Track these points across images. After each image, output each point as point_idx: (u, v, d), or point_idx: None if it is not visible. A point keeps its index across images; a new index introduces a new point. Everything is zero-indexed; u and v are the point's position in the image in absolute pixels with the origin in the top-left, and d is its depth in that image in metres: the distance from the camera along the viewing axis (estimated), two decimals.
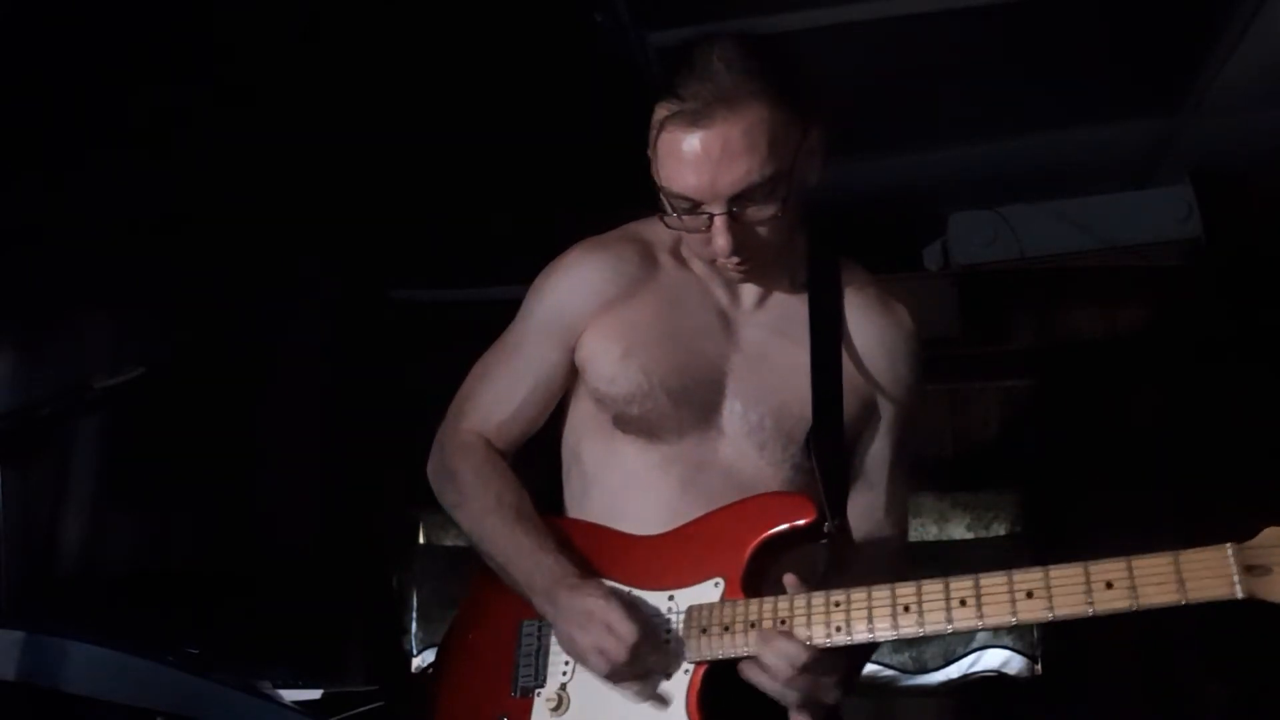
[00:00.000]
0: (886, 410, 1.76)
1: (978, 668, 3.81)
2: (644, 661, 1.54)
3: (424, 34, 2.74)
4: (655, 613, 1.59)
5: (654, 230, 1.77)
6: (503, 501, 1.73)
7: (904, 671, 3.82)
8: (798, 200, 1.61)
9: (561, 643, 1.62)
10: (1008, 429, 4.01)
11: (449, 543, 4.16)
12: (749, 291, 1.75)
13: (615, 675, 1.54)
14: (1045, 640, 3.76)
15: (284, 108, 2.96)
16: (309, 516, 3.82)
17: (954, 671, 3.81)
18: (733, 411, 1.70)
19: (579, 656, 1.58)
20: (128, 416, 3.01)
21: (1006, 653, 3.79)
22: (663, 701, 1.55)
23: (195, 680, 1.50)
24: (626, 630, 1.52)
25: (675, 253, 1.78)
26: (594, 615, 1.54)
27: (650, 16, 2.83)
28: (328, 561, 3.76)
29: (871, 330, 1.75)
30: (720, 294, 1.75)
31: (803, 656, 1.46)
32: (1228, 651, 3.46)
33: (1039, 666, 3.76)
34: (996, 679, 3.77)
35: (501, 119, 3.13)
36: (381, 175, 3.38)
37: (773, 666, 1.47)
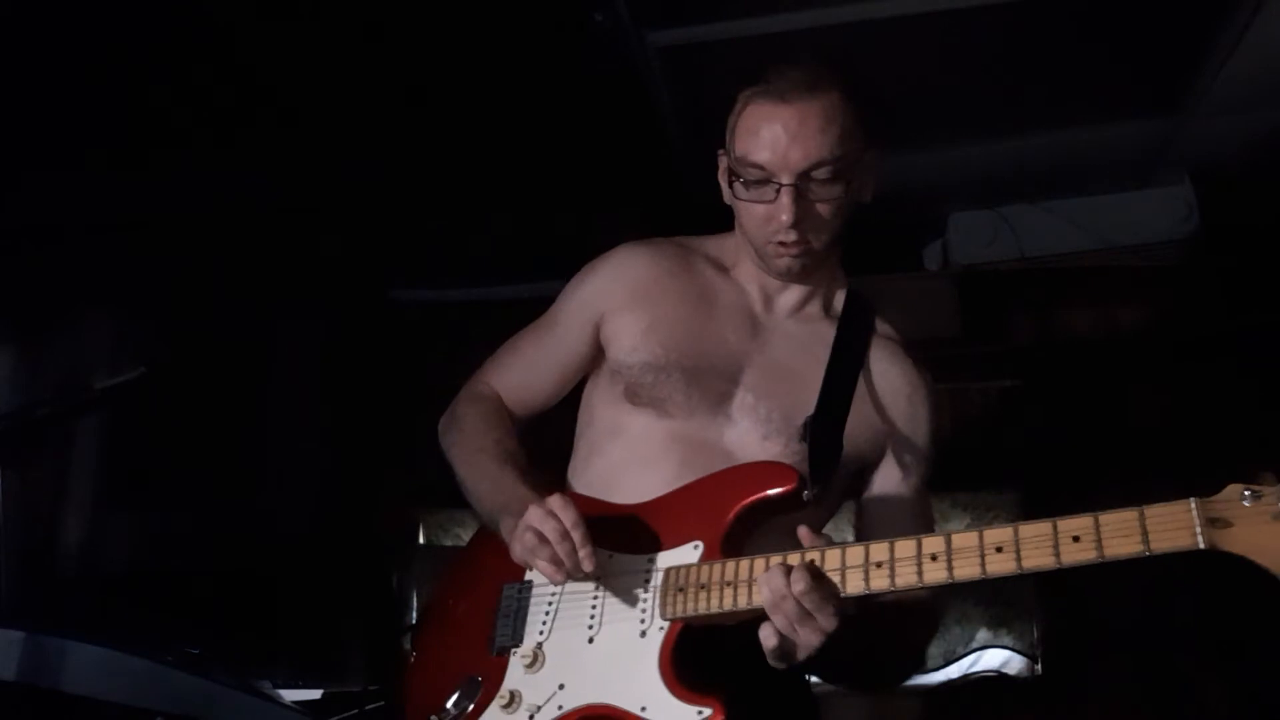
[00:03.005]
0: (905, 455, 1.79)
1: (978, 668, 3.80)
2: (582, 555, 1.55)
3: (424, 34, 2.74)
4: (633, 572, 1.62)
5: (699, 242, 1.90)
6: (501, 445, 1.82)
7: None
8: (851, 206, 1.73)
9: (515, 552, 1.63)
10: (1008, 429, 4.01)
11: (449, 543, 4.16)
12: (783, 303, 1.82)
13: (556, 569, 1.57)
14: (1045, 640, 3.75)
15: (284, 108, 2.96)
16: (309, 516, 3.82)
17: (954, 671, 3.80)
18: (744, 402, 1.75)
19: (526, 558, 1.61)
20: (128, 416, 3.01)
21: (1006, 653, 3.79)
22: (636, 658, 1.56)
23: (195, 680, 1.50)
24: (554, 524, 1.56)
25: (717, 263, 1.87)
26: (534, 514, 1.58)
27: (650, 16, 2.83)
28: (328, 561, 3.76)
29: (895, 376, 1.81)
30: (755, 300, 1.83)
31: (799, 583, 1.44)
32: (1228, 651, 3.46)
33: (1039, 666, 3.76)
34: (996, 679, 3.77)
35: (501, 119, 3.13)
36: (381, 175, 3.38)
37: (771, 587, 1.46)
